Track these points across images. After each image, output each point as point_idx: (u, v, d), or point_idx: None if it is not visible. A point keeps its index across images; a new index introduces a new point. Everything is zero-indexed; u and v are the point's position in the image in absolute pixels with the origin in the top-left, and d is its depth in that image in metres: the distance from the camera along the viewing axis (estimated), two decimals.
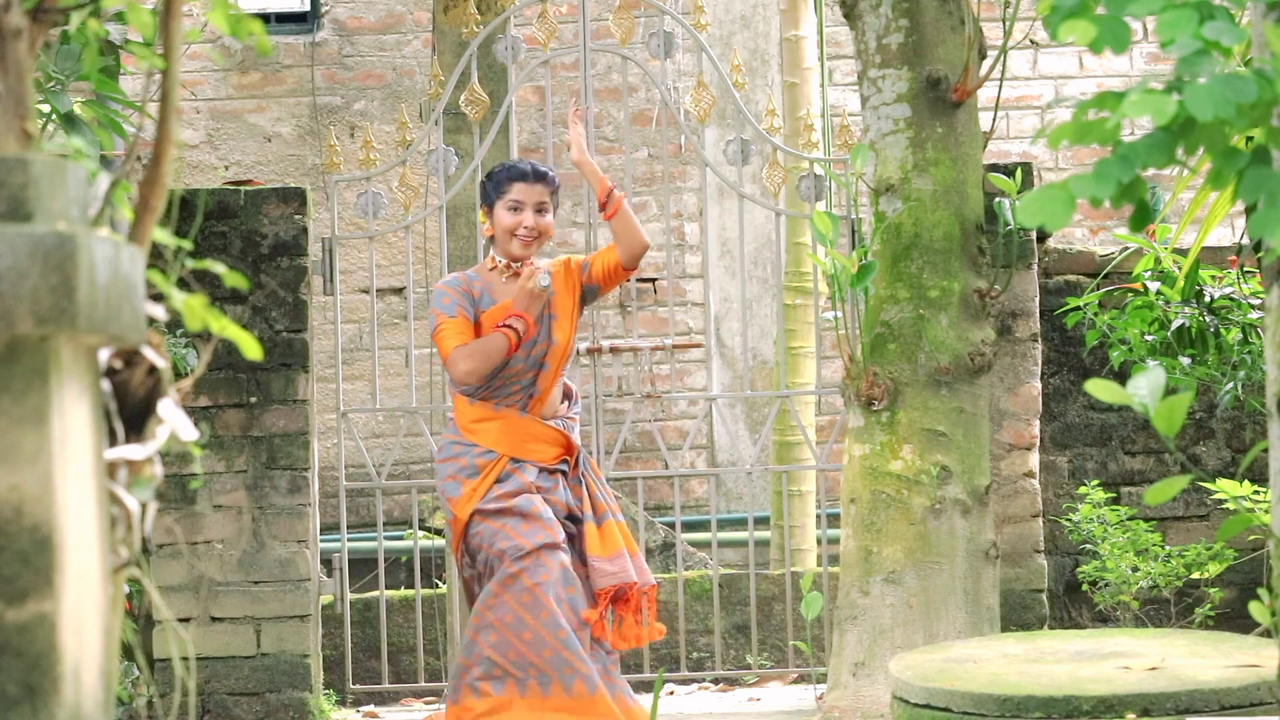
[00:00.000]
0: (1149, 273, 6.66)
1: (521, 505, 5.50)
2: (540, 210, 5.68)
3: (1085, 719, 3.83)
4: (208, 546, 6.84)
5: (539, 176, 5.69)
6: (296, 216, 6.95)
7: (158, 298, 2.33)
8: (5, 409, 2.00)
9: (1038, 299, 7.08)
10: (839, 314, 6.08)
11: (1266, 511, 6.19)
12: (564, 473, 5.63)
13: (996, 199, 6.29)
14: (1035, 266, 7.05)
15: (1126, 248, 7.18)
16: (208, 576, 6.82)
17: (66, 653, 2.02)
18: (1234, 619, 6.92)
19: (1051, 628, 7.11)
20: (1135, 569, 6.84)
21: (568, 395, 5.80)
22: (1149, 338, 6.59)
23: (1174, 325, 6.53)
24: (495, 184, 5.71)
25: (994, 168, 6.84)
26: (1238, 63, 4.44)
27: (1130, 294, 6.75)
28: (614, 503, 5.70)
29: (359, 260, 9.81)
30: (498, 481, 5.55)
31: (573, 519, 5.61)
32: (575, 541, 5.60)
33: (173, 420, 2.27)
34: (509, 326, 5.55)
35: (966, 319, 6.05)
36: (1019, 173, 6.40)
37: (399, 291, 9.79)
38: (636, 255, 5.68)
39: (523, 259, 5.68)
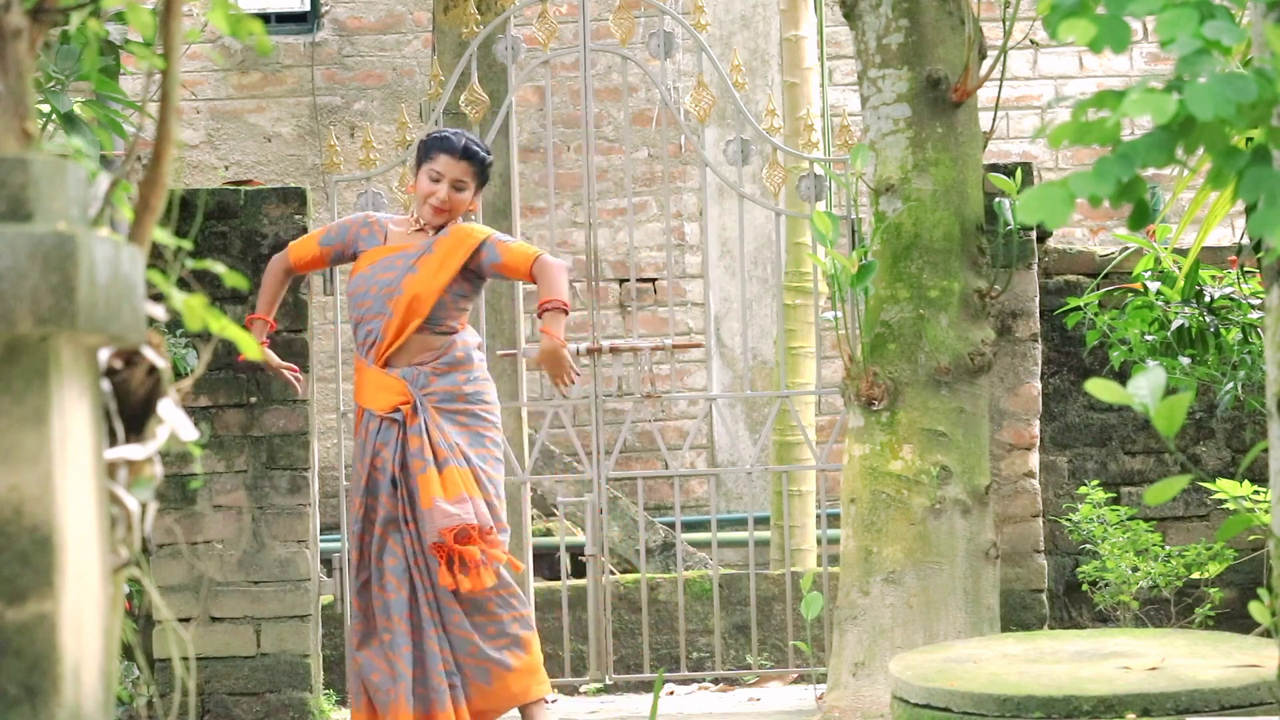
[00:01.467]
0: (1149, 273, 6.66)
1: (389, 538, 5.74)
2: (457, 187, 5.81)
3: (1085, 719, 3.83)
4: (208, 546, 6.84)
5: (467, 154, 5.81)
6: (296, 216, 6.95)
7: (158, 298, 2.33)
8: (5, 409, 1.99)
9: (1038, 299, 7.07)
10: (839, 314, 6.08)
11: (1266, 511, 6.19)
12: (401, 422, 5.70)
13: (996, 199, 6.29)
14: (1035, 266, 7.04)
15: (1126, 248, 7.17)
16: (208, 576, 6.82)
17: (66, 653, 2.02)
18: (1234, 619, 6.91)
19: (1051, 628, 7.11)
20: (1135, 569, 6.84)
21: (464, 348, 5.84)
22: (1149, 338, 6.59)
23: (1174, 325, 6.53)
24: (425, 149, 5.86)
25: (994, 168, 6.84)
26: (1237, 63, 4.44)
27: (1130, 294, 6.74)
28: (457, 451, 5.71)
29: None
30: (361, 451, 5.79)
31: (394, 483, 5.70)
32: (405, 494, 5.69)
33: (173, 420, 2.27)
34: (249, 324, 5.97)
35: (966, 319, 6.04)
36: (1019, 173, 6.40)
37: None
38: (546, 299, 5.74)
39: (432, 225, 5.82)
